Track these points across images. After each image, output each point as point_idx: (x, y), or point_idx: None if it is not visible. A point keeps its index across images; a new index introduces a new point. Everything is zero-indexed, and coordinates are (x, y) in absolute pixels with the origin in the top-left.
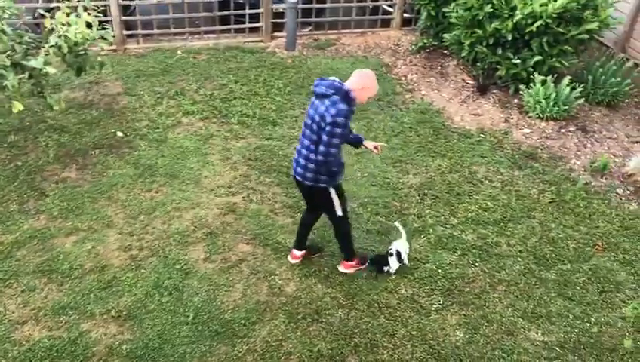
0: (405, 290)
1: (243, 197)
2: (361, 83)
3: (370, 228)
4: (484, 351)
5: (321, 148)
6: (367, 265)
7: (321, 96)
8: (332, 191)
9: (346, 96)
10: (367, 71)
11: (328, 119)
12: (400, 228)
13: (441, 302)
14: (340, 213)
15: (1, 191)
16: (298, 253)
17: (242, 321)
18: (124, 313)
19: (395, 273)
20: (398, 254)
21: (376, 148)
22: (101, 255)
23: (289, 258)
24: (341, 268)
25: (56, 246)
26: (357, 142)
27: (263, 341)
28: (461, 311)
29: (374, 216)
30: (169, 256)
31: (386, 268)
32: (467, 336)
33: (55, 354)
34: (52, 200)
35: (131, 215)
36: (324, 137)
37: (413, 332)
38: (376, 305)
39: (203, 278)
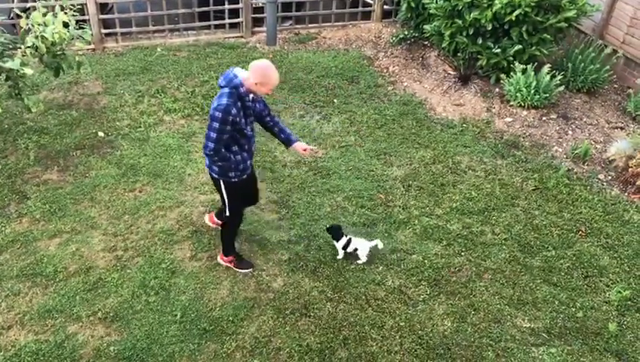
0: (392, 282)
1: None
2: (255, 78)
3: (356, 221)
4: (472, 339)
5: (204, 139)
6: (247, 270)
7: (220, 88)
8: (222, 185)
9: (235, 90)
10: (263, 64)
11: (210, 111)
12: (379, 244)
13: (428, 293)
14: (227, 213)
15: None
16: (216, 219)
17: (230, 318)
18: (111, 314)
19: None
20: (348, 244)
21: (305, 150)
22: (86, 256)
23: (207, 220)
24: (218, 258)
25: (40, 249)
26: (286, 143)
27: (252, 337)
28: (448, 300)
29: (360, 208)
30: (154, 255)
31: (335, 243)
32: (455, 325)
33: (42, 359)
34: (34, 202)
35: (115, 215)
36: (206, 129)
37: (401, 323)
38: (363, 297)
39: (189, 277)
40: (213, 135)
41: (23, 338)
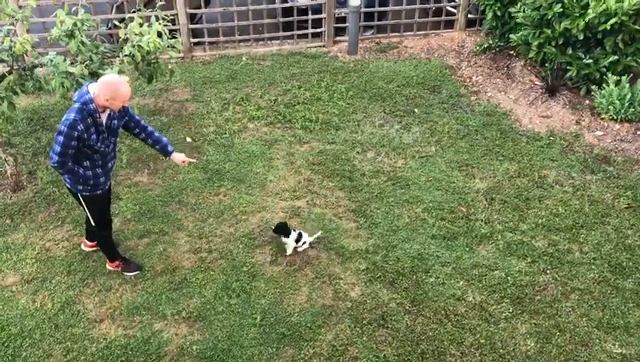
0: (473, 298)
1: (307, 201)
2: (105, 94)
3: (436, 234)
4: (557, 361)
5: (50, 151)
6: (135, 273)
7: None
8: (79, 197)
9: (85, 106)
10: (110, 79)
11: (59, 125)
12: (317, 234)
13: (510, 311)
14: (93, 223)
15: None
16: (89, 243)
17: (308, 324)
18: (194, 314)
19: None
20: (299, 237)
21: (183, 162)
22: (172, 257)
23: (82, 245)
24: (107, 266)
25: (130, 248)
26: (164, 153)
27: (329, 345)
28: (532, 319)
29: (440, 221)
30: (237, 258)
31: (285, 241)
32: (538, 346)
33: (130, 353)
34: (125, 203)
35: (200, 218)
36: (54, 142)
37: (481, 341)
38: (443, 312)
39: (269, 281)
40: (58, 148)
41: (113, 332)
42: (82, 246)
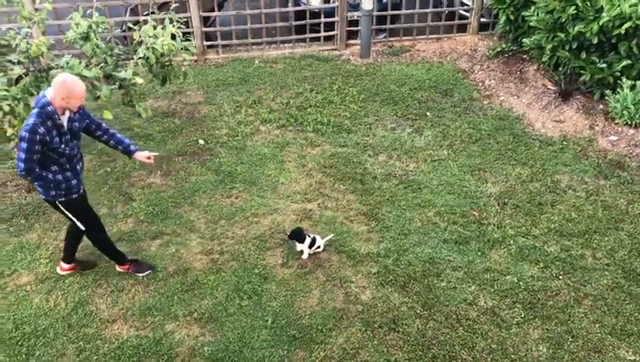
0: (485, 302)
1: (318, 204)
2: (59, 93)
3: (448, 238)
4: None
5: (16, 160)
6: (147, 273)
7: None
8: (59, 205)
9: (42, 109)
10: (62, 78)
11: (19, 132)
12: (329, 237)
13: (522, 316)
14: (82, 227)
15: (92, 195)
16: (65, 266)
17: (319, 327)
18: (206, 315)
19: (302, 254)
20: (313, 242)
21: (149, 158)
22: (184, 258)
23: (58, 269)
24: (117, 268)
25: (143, 248)
26: (127, 153)
27: (340, 348)
28: (544, 325)
29: (451, 225)
30: (248, 260)
31: (299, 246)
32: (551, 352)
33: (142, 353)
34: (138, 204)
35: (212, 220)
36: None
37: (493, 346)
38: (454, 316)
39: (281, 283)
40: (23, 155)
41: (126, 333)
42: (58, 270)
